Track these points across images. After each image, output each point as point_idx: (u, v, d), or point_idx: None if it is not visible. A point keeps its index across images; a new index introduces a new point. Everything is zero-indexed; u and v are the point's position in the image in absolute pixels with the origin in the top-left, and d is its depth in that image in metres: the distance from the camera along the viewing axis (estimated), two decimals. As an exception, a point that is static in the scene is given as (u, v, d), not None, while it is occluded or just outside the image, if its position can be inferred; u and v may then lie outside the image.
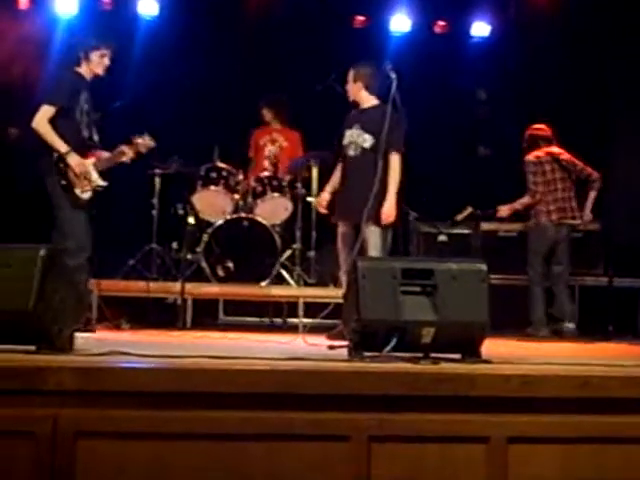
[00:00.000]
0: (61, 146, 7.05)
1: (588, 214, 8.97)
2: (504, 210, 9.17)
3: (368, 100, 7.51)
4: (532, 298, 8.81)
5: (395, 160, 7.25)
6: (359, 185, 7.26)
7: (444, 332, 4.67)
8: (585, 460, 4.07)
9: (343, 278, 7.28)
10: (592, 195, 8.94)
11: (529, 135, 9.06)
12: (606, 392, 4.11)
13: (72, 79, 7.27)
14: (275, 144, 9.91)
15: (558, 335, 8.53)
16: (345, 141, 7.46)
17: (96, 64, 7.32)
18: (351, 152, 7.43)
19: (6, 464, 3.71)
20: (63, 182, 7.07)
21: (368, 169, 7.23)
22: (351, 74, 7.54)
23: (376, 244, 7.18)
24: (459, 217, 9.42)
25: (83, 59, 7.31)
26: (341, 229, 7.46)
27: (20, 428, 3.71)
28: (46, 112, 7.05)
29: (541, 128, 9.04)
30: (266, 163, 9.75)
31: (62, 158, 7.06)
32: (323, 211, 7.81)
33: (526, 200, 8.96)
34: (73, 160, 7.07)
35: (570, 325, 8.67)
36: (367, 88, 7.50)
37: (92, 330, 6.99)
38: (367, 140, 7.32)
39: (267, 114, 10.06)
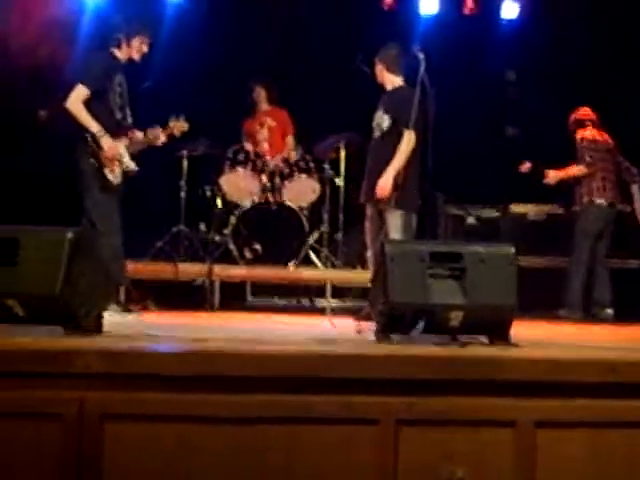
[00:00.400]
0: (94, 127, 7.03)
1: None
2: (552, 176, 8.98)
3: (390, 82, 7.49)
4: (571, 280, 8.65)
5: (406, 137, 7.18)
6: (379, 167, 7.23)
7: (472, 315, 4.64)
8: (614, 445, 4.03)
9: (371, 259, 7.29)
10: (635, 190, 8.82)
11: (576, 119, 8.96)
12: (634, 377, 4.07)
13: (108, 61, 7.30)
14: (264, 126, 9.84)
15: (594, 319, 8.43)
16: (373, 124, 7.45)
17: (136, 50, 7.35)
18: (375, 134, 7.42)
19: (33, 446, 3.72)
20: (94, 163, 7.06)
21: (386, 150, 7.21)
22: (377, 57, 7.54)
23: (396, 226, 7.11)
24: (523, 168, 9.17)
25: (124, 42, 7.32)
26: (368, 210, 7.43)
27: (47, 410, 3.72)
28: (80, 93, 7.04)
29: (587, 112, 8.95)
30: (265, 146, 9.70)
31: (95, 139, 7.05)
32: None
33: (581, 169, 8.76)
34: (106, 142, 7.05)
35: (609, 311, 8.57)
36: (389, 69, 7.48)
37: (130, 310, 7.04)
38: (385, 121, 7.30)
39: (260, 93, 10.01)
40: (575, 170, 8.80)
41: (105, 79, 7.16)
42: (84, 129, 7.06)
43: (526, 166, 9.09)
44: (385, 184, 7.07)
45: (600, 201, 8.66)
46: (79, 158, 7.12)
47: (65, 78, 7.53)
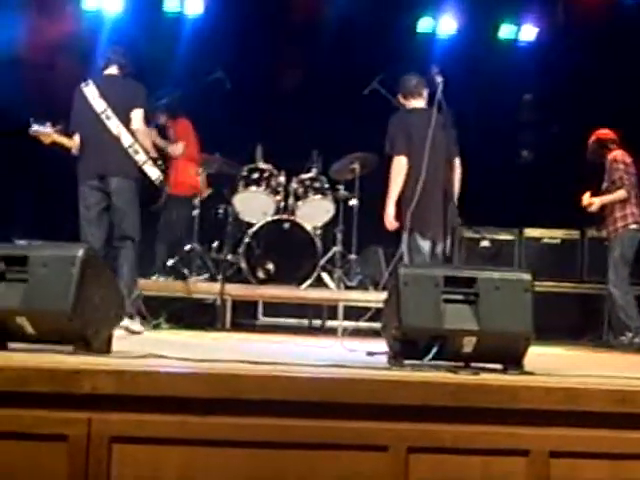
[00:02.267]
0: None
1: None
2: (597, 204, 8.76)
3: (405, 107, 7.53)
4: (628, 307, 8.45)
5: (393, 162, 7.23)
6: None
7: (486, 342, 4.58)
8: (630, 477, 3.97)
9: None
10: None
11: (598, 139, 8.84)
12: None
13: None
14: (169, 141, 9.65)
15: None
16: None
17: None
18: None
19: (40, 467, 3.68)
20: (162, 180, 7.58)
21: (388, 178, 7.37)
22: None
23: (403, 250, 7.15)
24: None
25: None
26: None
27: (54, 431, 3.67)
28: (143, 115, 7.45)
29: (608, 133, 8.86)
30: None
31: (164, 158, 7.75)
32: None
33: (621, 194, 8.56)
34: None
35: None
36: (404, 96, 7.62)
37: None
38: (387, 145, 7.35)
39: (162, 117, 9.78)
40: (617, 195, 8.59)
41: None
42: (155, 149, 7.61)
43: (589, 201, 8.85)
44: (386, 214, 7.16)
45: (634, 226, 8.53)
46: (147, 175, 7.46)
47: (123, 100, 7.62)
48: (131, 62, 7.60)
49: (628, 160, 8.65)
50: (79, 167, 7.42)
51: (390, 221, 7.27)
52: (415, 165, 7.10)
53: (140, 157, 7.35)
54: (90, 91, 7.40)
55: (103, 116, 7.32)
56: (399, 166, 7.21)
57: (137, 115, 7.38)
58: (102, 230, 7.32)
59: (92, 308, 4.49)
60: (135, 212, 7.37)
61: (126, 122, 7.33)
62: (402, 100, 7.60)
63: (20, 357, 4.12)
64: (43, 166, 9.31)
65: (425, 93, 7.47)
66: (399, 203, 7.20)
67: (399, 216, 7.21)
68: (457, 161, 7.46)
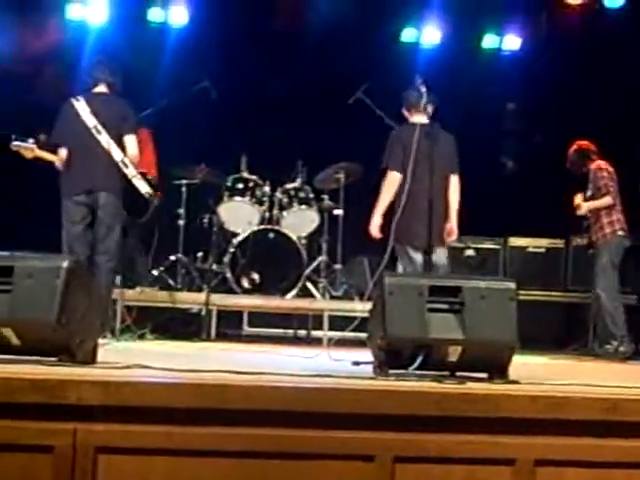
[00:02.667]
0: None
1: None
2: (585, 208, 8.79)
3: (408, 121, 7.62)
4: (616, 314, 8.44)
5: (387, 176, 7.31)
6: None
7: (471, 351, 4.59)
8: (615, 485, 3.98)
9: None
10: None
11: (580, 149, 8.86)
12: (635, 416, 4.02)
13: None
14: None
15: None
16: None
17: None
18: None
19: (25, 478, 3.67)
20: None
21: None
22: None
23: (399, 262, 7.23)
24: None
25: None
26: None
27: (40, 442, 3.66)
28: (137, 141, 7.58)
29: (589, 144, 8.89)
30: None
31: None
32: None
33: (608, 200, 8.59)
34: None
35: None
36: (406, 110, 7.67)
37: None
38: (384, 158, 7.41)
39: None
40: (604, 201, 8.61)
41: None
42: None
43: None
44: (372, 225, 7.26)
45: (621, 233, 8.57)
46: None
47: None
48: (119, 78, 7.61)
49: (611, 169, 8.70)
50: (64, 181, 7.41)
51: (375, 232, 7.34)
52: (406, 179, 7.17)
53: (130, 171, 7.37)
54: (81, 106, 7.39)
55: (94, 130, 7.32)
56: (392, 180, 7.30)
57: (132, 142, 7.47)
58: (86, 246, 7.33)
59: (77, 319, 4.48)
60: (119, 228, 7.41)
61: (116, 139, 7.35)
62: (406, 114, 7.66)
63: (5, 368, 4.09)
64: (24, 178, 9.26)
65: (429, 108, 7.50)
66: (387, 215, 7.27)
67: (384, 227, 7.28)
68: (452, 177, 7.51)
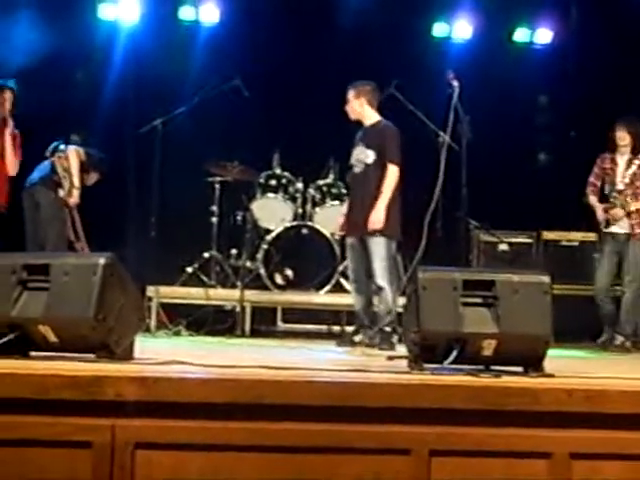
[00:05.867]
0: None
1: None
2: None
3: (370, 117, 7.64)
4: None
5: (391, 170, 7.28)
6: (362, 198, 7.45)
7: (506, 345, 4.58)
8: (652, 478, 3.97)
9: (353, 288, 7.59)
10: None
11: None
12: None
13: None
14: None
15: None
16: (352, 160, 7.65)
17: None
18: (356, 170, 7.59)
19: (64, 474, 3.70)
20: None
21: (371, 183, 7.40)
22: (352, 92, 7.61)
23: (381, 254, 7.29)
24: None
25: None
26: (348, 240, 7.62)
27: (78, 438, 3.69)
28: None
29: None
30: None
31: None
32: (341, 233, 8.20)
33: None
34: None
35: None
36: (370, 104, 7.58)
37: None
38: (370, 156, 7.46)
39: None
40: None
41: None
42: None
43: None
44: (375, 217, 7.26)
45: None
46: None
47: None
48: None
49: None
50: None
51: (382, 223, 7.29)
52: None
53: None
54: None
55: None
56: (397, 175, 7.32)
57: None
58: None
59: (114, 315, 4.52)
60: None
61: None
62: (369, 109, 7.66)
63: (43, 365, 4.14)
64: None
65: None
66: (368, 210, 7.29)
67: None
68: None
